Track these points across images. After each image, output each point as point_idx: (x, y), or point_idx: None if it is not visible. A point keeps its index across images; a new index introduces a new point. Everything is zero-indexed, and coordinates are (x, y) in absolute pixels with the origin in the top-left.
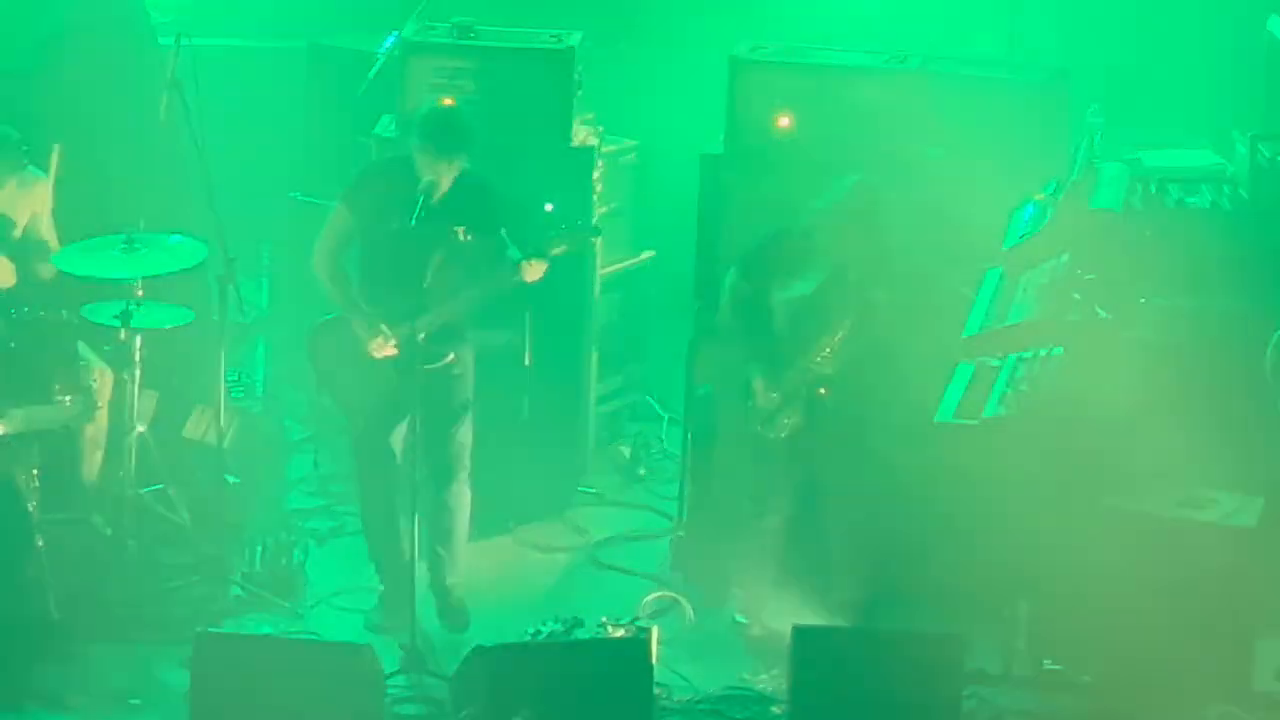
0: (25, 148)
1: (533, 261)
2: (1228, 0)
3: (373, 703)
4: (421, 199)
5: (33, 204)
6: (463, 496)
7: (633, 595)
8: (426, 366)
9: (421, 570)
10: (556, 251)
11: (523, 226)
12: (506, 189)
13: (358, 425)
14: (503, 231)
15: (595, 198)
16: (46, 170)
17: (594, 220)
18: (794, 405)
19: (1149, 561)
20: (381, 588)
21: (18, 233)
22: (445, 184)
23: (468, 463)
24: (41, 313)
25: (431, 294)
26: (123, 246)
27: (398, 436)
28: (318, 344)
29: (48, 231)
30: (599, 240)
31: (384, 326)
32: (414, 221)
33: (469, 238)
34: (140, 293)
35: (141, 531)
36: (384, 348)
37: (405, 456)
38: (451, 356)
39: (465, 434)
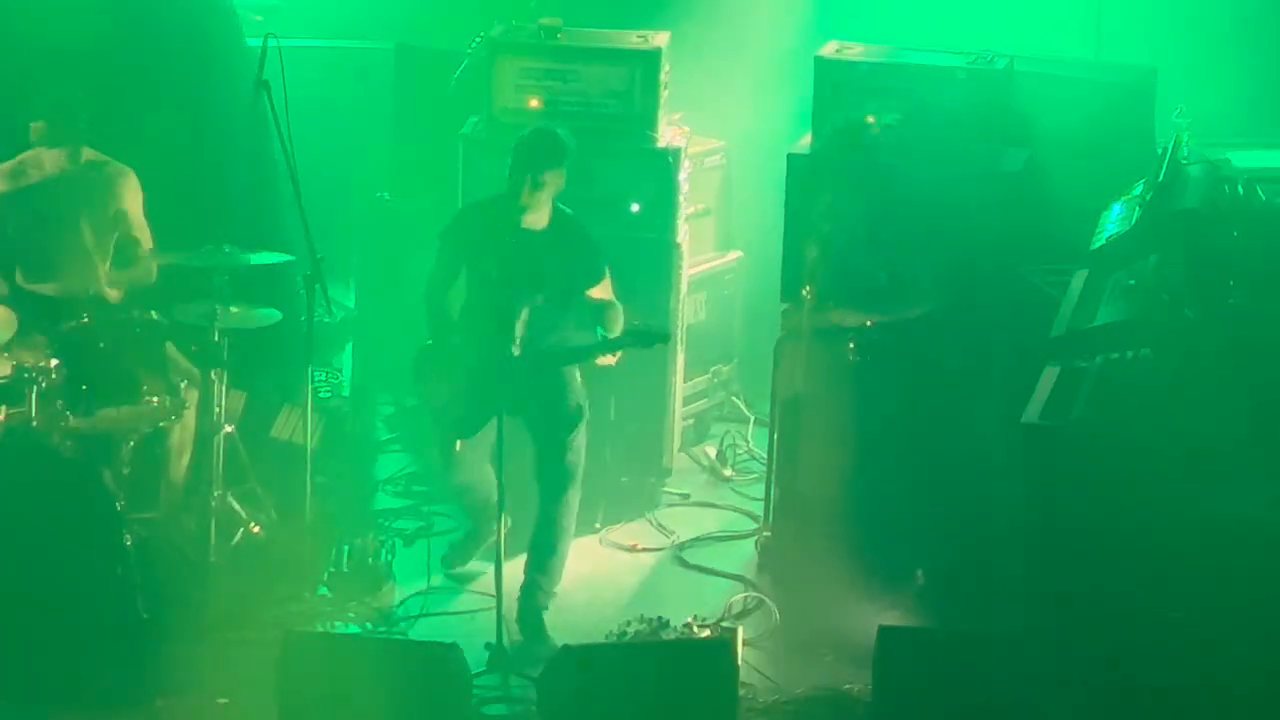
0: (84, 115)
1: (607, 355)
2: None
3: (460, 703)
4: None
5: (119, 199)
6: (571, 506)
7: (718, 596)
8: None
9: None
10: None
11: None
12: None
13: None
14: (608, 270)
15: (681, 198)
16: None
17: (670, 326)
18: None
19: (1238, 563)
20: (465, 529)
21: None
22: (541, 209)
23: (581, 472)
24: (131, 313)
25: (527, 342)
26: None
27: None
28: (422, 367)
29: (140, 232)
30: (685, 244)
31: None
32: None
33: (566, 281)
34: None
35: (229, 531)
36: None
37: (494, 461)
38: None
39: (580, 440)
